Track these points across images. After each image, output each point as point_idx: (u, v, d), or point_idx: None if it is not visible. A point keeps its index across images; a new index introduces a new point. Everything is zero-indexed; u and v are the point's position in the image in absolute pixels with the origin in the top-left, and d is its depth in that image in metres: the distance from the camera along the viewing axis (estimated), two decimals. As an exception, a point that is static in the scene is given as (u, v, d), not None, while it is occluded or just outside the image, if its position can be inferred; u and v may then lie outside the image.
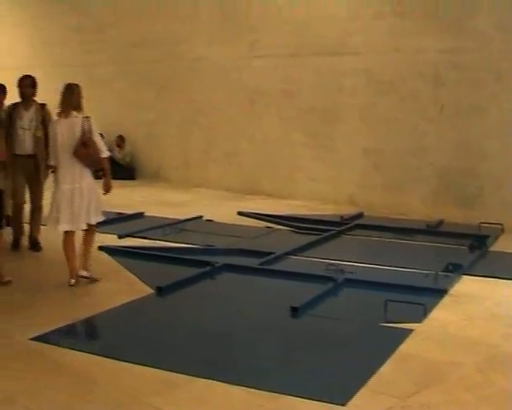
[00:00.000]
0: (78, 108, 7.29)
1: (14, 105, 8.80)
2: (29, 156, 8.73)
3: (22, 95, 8.82)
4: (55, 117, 7.61)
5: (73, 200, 7.18)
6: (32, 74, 9.03)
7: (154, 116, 16.36)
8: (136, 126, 16.71)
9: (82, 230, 7.45)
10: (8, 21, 19.10)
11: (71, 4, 17.65)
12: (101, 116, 17.04)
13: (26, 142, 8.71)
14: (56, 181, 7.32)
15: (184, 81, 15.73)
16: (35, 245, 8.97)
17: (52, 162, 7.40)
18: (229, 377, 4.84)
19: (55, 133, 7.29)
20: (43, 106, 8.88)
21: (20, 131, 8.68)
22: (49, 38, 18.10)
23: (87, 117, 7.28)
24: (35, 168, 8.75)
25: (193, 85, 15.56)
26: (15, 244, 8.98)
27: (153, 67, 16.24)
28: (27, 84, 8.81)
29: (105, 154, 7.42)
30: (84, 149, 7.15)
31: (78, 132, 7.18)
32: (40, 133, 8.69)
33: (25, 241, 9.06)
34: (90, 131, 7.21)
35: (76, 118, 7.24)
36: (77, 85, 7.38)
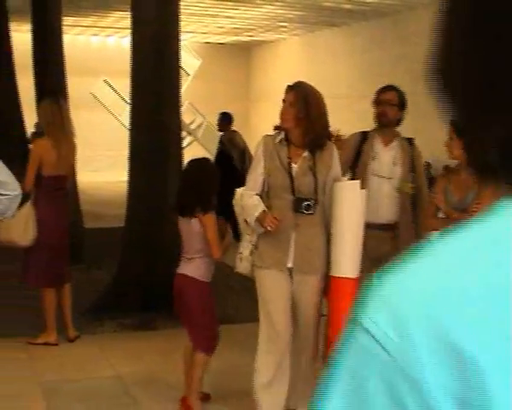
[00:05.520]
0: None
1: (365, 135, 5.15)
2: (385, 227, 4.97)
3: (381, 117, 5.08)
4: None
5: None
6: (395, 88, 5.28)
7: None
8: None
9: None
10: (341, 51, 20.05)
11: (398, 33, 18.03)
12: (428, 145, 17.19)
13: (381, 200, 4.96)
14: None
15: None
16: None
17: None
18: None
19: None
20: (410, 141, 5.22)
21: (373, 181, 4.96)
22: (378, 67, 18.63)
23: None
24: (392, 247, 4.82)
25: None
26: None
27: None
28: (388, 99, 5.06)
29: None
30: None
31: None
32: (409, 188, 5.00)
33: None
34: None
35: None
36: None
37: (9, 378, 5.22)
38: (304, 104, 4.17)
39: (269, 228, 4.05)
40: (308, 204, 4.14)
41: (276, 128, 4.42)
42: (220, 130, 11.11)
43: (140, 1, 6.98)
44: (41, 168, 5.81)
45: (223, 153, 10.50)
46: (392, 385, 0.62)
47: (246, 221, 4.29)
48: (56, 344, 5.99)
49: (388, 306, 0.65)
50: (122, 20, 18.18)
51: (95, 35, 22.30)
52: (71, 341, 6.10)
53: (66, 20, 10.48)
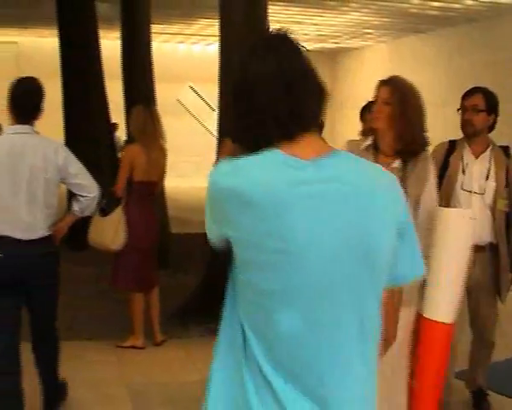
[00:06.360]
0: None
1: (453, 144, 4.63)
2: (476, 248, 3.97)
3: (466, 125, 4.56)
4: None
5: None
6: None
7: None
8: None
9: None
10: (428, 57, 19.75)
11: (486, 39, 17.61)
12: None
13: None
14: None
15: None
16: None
17: None
18: None
19: None
20: (506, 151, 4.67)
21: (462, 197, 4.49)
22: (465, 73, 18.26)
23: None
24: (482, 271, 4.52)
25: None
26: None
27: None
28: (474, 105, 4.54)
29: None
30: None
31: None
32: (504, 205, 4.52)
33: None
34: None
35: None
36: None
37: (99, 380, 5.31)
38: (401, 101, 3.39)
39: None
40: None
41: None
42: None
43: (229, 5, 6.97)
44: (132, 174, 5.88)
45: None
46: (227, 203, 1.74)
47: None
48: (143, 348, 6.04)
49: (213, 175, 1.78)
50: (208, 27, 18.34)
51: (181, 42, 22.57)
52: (158, 345, 6.16)
53: (154, 28, 10.59)
